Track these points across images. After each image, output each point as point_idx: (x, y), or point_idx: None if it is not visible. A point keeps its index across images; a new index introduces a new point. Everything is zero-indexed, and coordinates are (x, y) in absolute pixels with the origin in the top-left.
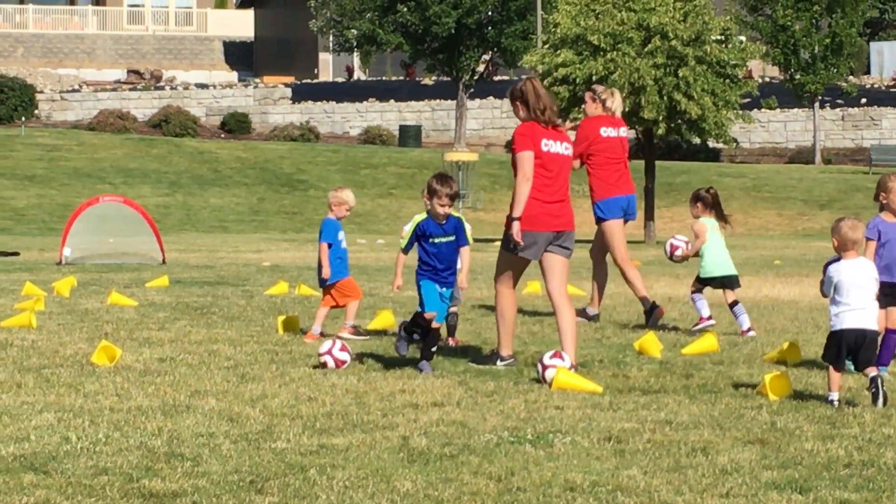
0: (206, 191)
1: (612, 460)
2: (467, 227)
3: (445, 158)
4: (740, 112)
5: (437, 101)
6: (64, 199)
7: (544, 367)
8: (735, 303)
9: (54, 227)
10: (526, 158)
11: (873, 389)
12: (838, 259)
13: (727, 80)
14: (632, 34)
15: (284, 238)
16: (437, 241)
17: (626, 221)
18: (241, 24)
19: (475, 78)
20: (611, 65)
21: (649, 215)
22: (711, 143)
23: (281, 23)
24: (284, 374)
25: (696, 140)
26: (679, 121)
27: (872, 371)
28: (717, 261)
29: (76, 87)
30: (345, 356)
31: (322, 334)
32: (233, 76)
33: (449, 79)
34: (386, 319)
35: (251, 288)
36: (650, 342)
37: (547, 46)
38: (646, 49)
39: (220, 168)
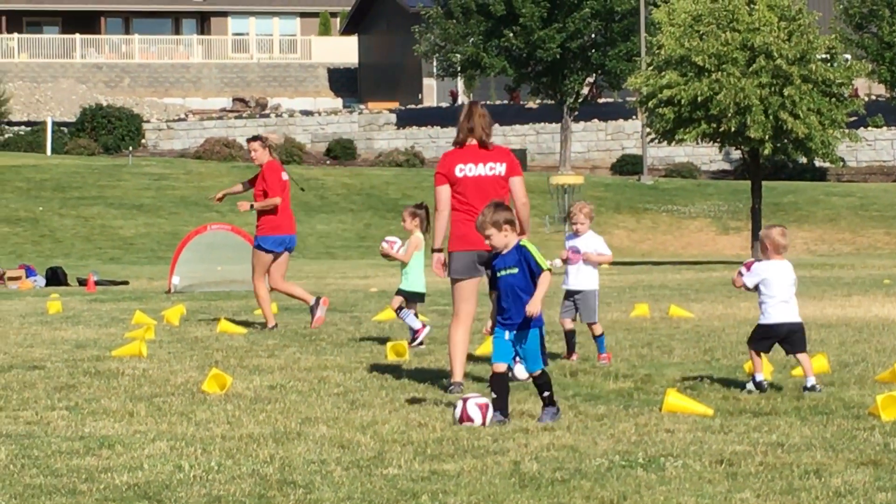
0: (313, 217)
1: (725, 483)
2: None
3: (551, 182)
4: (847, 131)
5: (542, 124)
6: (172, 228)
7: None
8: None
9: (163, 256)
10: (438, 192)
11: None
12: (759, 260)
13: (833, 99)
14: (736, 54)
15: (392, 264)
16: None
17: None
18: (345, 51)
19: (579, 101)
20: (716, 85)
21: (756, 236)
22: (818, 163)
23: (385, 49)
24: (394, 399)
25: (803, 159)
26: (785, 140)
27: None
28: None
29: (182, 115)
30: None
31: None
32: (337, 103)
33: (553, 102)
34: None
35: (359, 314)
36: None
37: (651, 68)
38: (750, 69)
39: (327, 195)
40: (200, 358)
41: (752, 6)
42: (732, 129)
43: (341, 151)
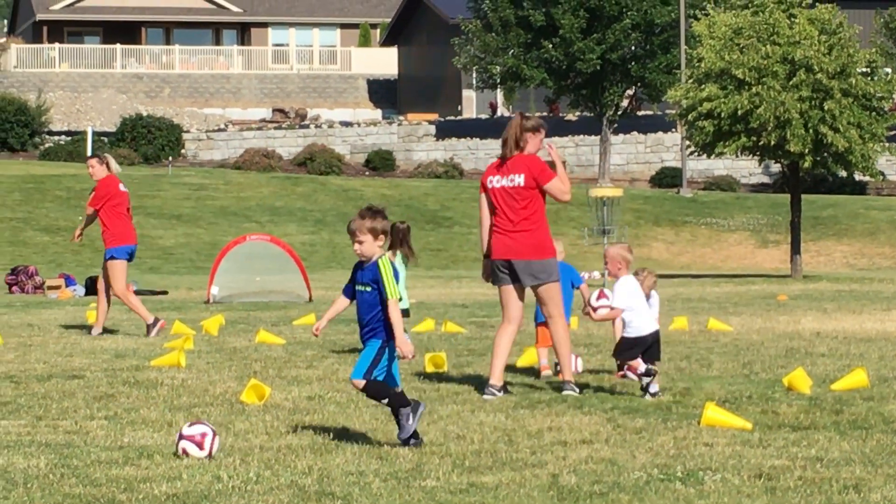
0: None
1: (763, 498)
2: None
3: (590, 194)
4: (887, 144)
5: (581, 136)
6: (211, 238)
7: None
8: None
9: (202, 266)
10: (479, 202)
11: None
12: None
13: (873, 113)
14: (776, 68)
15: (430, 275)
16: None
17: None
18: (385, 62)
19: (619, 113)
20: (756, 99)
21: (795, 249)
22: (858, 176)
23: (424, 60)
24: (433, 411)
25: (843, 173)
26: (825, 154)
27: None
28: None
29: (222, 126)
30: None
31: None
32: (377, 114)
33: (592, 114)
34: (533, 357)
35: None
36: (799, 378)
37: (691, 81)
38: (791, 82)
39: (366, 205)
40: (239, 368)
41: (792, 20)
42: (772, 143)
43: (380, 162)
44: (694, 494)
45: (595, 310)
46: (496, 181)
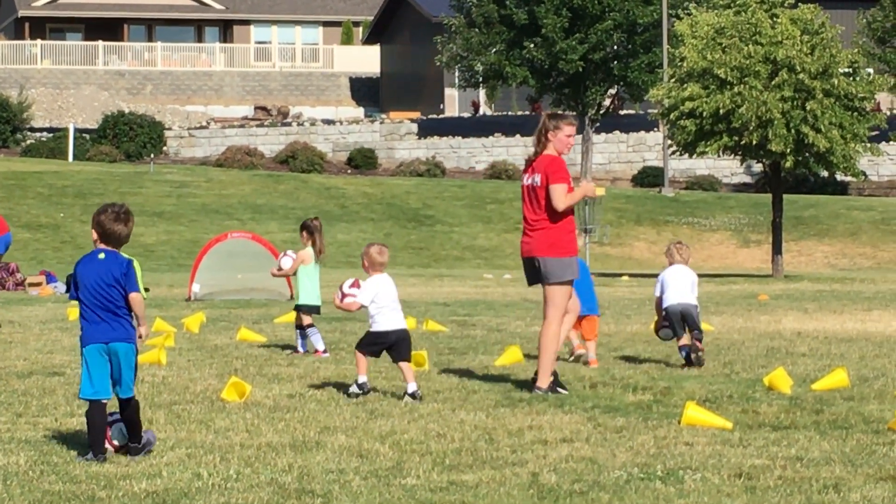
0: (333, 226)
1: (743, 497)
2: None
3: None
4: (868, 145)
5: None
6: (192, 236)
7: (343, 295)
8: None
9: (183, 264)
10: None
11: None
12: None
13: (855, 113)
14: (759, 67)
15: (411, 273)
16: None
17: None
18: (367, 60)
19: (601, 112)
20: (738, 98)
21: (777, 249)
22: (839, 177)
23: (407, 59)
24: (413, 410)
25: (824, 173)
26: (807, 154)
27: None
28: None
29: (204, 123)
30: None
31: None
32: (359, 112)
33: (575, 113)
34: (514, 355)
35: None
36: (780, 378)
37: (673, 80)
38: (773, 82)
39: (347, 203)
40: (220, 366)
41: (774, 20)
42: (754, 143)
43: (362, 161)
44: (674, 493)
45: (343, 297)
46: (525, 180)
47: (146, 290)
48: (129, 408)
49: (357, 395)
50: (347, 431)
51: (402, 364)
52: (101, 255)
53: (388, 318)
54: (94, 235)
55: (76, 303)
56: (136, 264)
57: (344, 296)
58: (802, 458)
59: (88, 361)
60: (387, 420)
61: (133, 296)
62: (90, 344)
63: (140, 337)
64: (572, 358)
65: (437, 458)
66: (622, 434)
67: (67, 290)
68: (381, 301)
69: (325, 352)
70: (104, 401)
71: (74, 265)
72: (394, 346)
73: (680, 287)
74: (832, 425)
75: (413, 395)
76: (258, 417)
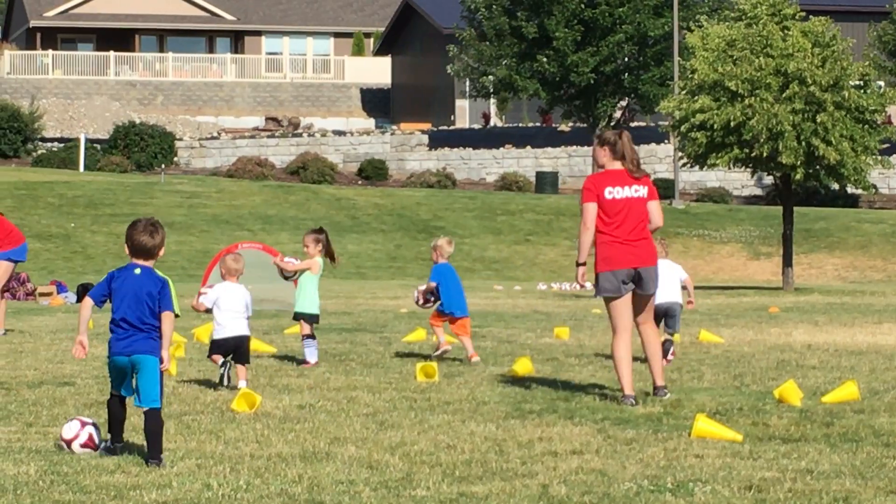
0: (344, 237)
1: None
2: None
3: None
4: (879, 157)
5: (574, 147)
6: (203, 246)
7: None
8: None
9: (194, 274)
10: (586, 209)
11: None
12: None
13: (866, 126)
14: (770, 80)
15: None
16: None
17: None
18: (378, 72)
19: (612, 124)
20: (748, 110)
21: (787, 261)
22: (850, 189)
23: (418, 70)
24: (423, 421)
25: (835, 186)
26: (817, 166)
27: None
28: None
29: (215, 134)
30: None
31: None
32: (370, 123)
33: (586, 125)
34: (525, 367)
35: (389, 334)
36: (790, 390)
37: (684, 92)
38: (784, 95)
39: (358, 214)
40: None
41: (786, 32)
42: (764, 155)
43: (373, 172)
44: None
45: (199, 296)
46: (617, 192)
47: (176, 315)
48: (151, 421)
49: (221, 378)
50: (357, 442)
51: (240, 367)
52: (137, 271)
53: (229, 325)
54: (126, 249)
55: (88, 306)
56: (171, 284)
57: (199, 296)
58: (813, 470)
59: (110, 370)
60: (397, 431)
61: (167, 314)
62: (114, 356)
63: (161, 362)
64: (437, 353)
65: (447, 470)
66: (632, 446)
67: (78, 300)
68: (224, 305)
69: (316, 363)
70: (123, 396)
71: (107, 277)
72: (235, 350)
73: (665, 284)
74: (842, 438)
75: (235, 389)
76: (268, 428)
